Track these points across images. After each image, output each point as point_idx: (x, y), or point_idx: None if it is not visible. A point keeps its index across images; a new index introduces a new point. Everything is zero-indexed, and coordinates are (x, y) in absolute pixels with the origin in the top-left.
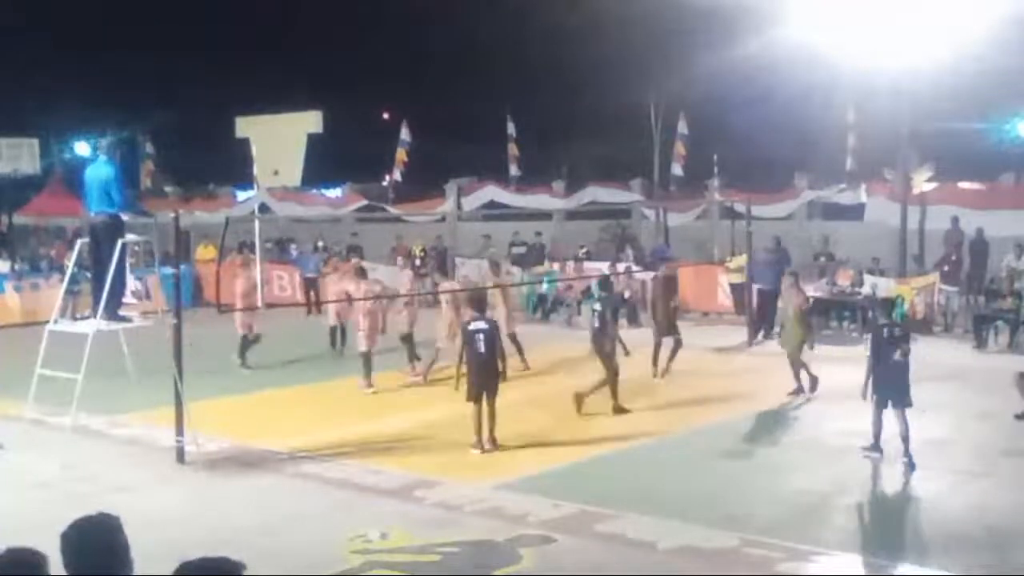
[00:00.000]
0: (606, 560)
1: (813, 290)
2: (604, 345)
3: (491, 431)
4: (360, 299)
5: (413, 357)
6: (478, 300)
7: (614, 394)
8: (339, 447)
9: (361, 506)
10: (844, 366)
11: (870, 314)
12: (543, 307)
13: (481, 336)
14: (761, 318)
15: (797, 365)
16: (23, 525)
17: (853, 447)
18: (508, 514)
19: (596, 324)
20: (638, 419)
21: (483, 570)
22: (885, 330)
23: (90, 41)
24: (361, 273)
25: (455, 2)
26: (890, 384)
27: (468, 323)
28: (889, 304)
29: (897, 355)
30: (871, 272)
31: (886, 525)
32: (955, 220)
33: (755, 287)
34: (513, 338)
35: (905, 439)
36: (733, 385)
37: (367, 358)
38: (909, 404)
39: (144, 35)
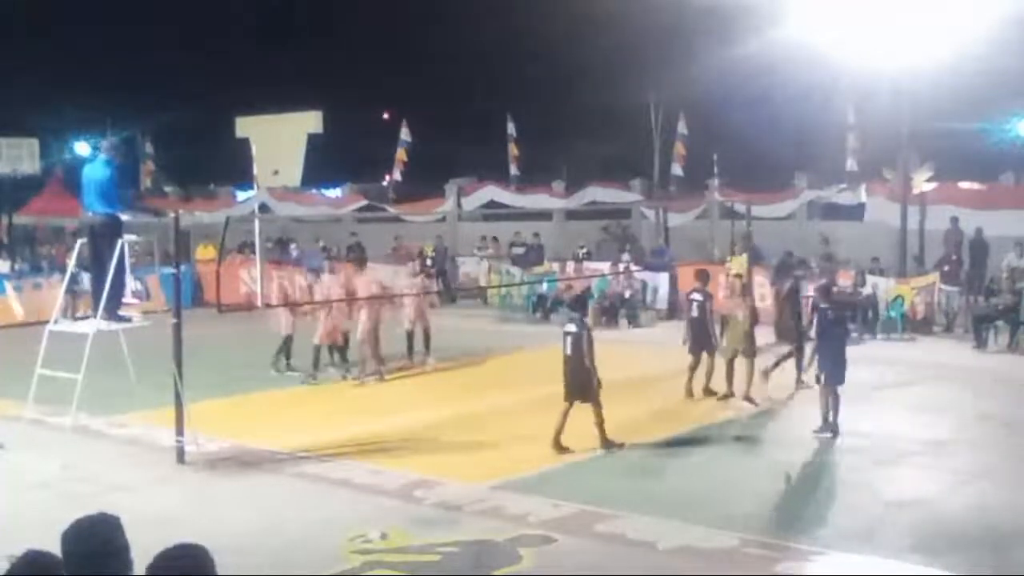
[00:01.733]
0: (606, 560)
1: (813, 290)
2: (708, 333)
3: (601, 435)
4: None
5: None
6: (574, 303)
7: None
8: (339, 447)
9: (361, 506)
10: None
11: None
12: (543, 307)
13: (569, 339)
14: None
15: (732, 368)
16: (23, 525)
17: (853, 447)
18: (508, 514)
19: (695, 314)
20: (638, 420)
21: (483, 570)
22: (829, 312)
23: (90, 41)
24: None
25: (455, 2)
26: (828, 360)
27: (565, 324)
28: (826, 289)
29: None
30: (871, 272)
31: (886, 525)
32: (955, 220)
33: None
34: (416, 335)
35: (835, 411)
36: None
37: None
38: (841, 381)
39: (144, 35)
